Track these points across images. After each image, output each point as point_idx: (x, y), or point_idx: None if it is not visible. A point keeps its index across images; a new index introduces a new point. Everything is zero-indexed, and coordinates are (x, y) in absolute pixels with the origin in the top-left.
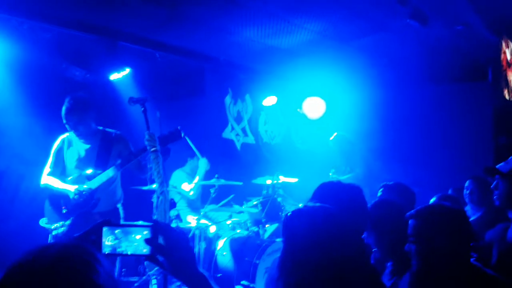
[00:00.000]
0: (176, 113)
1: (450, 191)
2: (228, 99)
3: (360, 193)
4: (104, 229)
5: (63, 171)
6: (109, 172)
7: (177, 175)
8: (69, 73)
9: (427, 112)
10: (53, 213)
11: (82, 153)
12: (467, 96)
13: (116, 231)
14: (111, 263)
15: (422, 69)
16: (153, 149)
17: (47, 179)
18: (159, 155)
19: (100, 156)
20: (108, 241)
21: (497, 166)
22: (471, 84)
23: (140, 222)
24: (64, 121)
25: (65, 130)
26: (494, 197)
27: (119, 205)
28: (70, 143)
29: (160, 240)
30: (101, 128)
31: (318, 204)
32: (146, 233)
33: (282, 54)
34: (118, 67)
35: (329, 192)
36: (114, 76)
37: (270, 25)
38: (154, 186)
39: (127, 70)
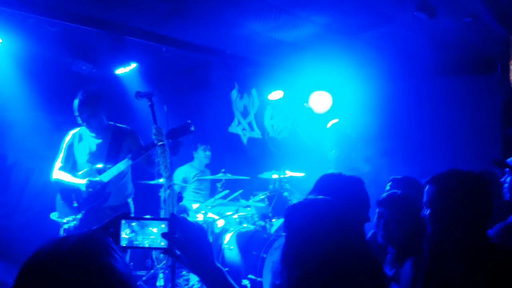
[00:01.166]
0: (183, 107)
1: None
2: (234, 93)
3: (361, 184)
4: (122, 222)
5: (73, 165)
6: (120, 166)
7: (183, 170)
8: (75, 67)
9: (435, 105)
10: (64, 207)
11: (93, 148)
12: (476, 88)
13: (133, 224)
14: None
15: (430, 62)
16: (160, 143)
17: (58, 174)
18: (166, 149)
19: (111, 151)
20: (125, 234)
21: (507, 160)
22: (480, 76)
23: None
24: (77, 114)
25: (72, 124)
26: (504, 190)
27: (129, 200)
28: (81, 138)
29: (177, 234)
30: (112, 123)
31: (320, 197)
32: (163, 226)
33: (288, 48)
34: (124, 62)
35: (330, 184)
36: (121, 71)
37: (276, 18)
38: (161, 180)
39: (133, 65)
